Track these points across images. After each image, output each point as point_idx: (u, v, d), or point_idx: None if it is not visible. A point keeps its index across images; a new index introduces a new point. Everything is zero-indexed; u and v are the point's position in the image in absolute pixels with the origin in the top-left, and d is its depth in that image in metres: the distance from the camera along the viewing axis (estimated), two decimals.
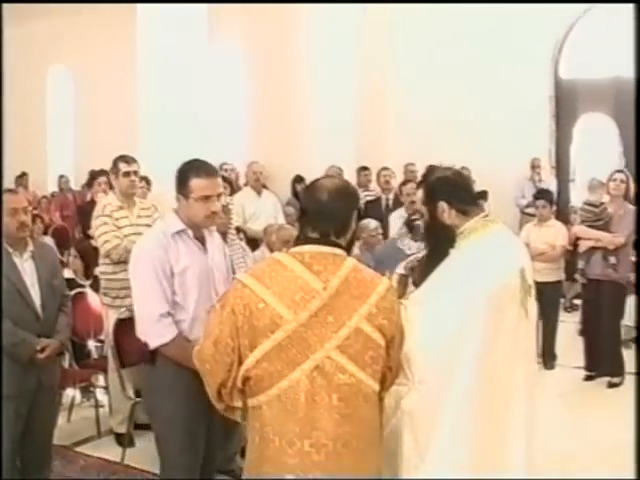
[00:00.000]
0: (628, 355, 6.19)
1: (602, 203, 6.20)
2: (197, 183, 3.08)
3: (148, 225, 4.83)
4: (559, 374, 6.45)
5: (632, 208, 6.02)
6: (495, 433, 2.56)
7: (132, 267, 3.19)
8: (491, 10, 9.76)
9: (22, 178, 12.27)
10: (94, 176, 7.33)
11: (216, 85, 9.20)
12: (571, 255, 6.98)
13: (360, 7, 9.85)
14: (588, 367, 6.22)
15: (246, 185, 8.02)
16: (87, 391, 5.40)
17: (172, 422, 3.06)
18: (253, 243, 6.35)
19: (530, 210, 8.24)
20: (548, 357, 6.57)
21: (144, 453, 4.39)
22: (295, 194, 8.83)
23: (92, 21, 11.93)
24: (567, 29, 10.21)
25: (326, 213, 2.36)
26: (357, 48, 9.75)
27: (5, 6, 7.74)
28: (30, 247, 3.58)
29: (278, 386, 2.25)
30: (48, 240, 7.82)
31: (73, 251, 6.05)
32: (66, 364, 4.95)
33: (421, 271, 2.84)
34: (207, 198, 3.09)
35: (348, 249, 2.43)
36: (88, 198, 9.10)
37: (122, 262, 4.60)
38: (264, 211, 7.38)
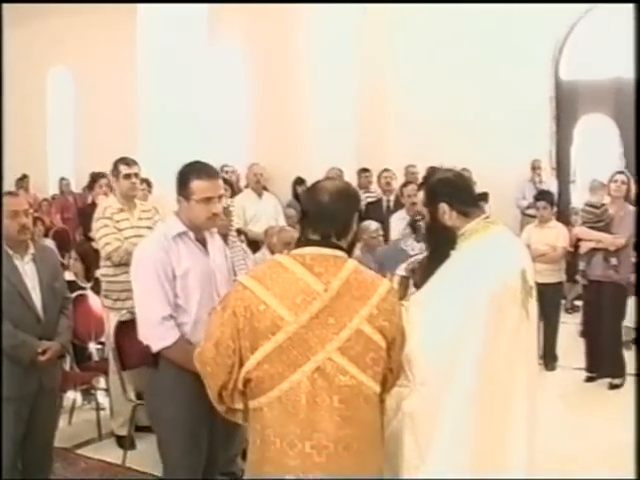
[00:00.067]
0: (628, 356, 6.18)
1: (603, 204, 6.19)
2: (198, 185, 3.07)
3: (149, 227, 4.84)
4: (560, 375, 6.44)
5: (633, 209, 6.02)
6: (496, 434, 2.56)
7: (134, 270, 3.18)
8: (491, 10, 9.76)
9: (23, 180, 12.28)
10: (95, 178, 7.34)
11: (216, 85, 9.19)
12: (572, 256, 7.00)
13: (360, 7, 9.85)
14: (589, 368, 6.21)
15: (247, 187, 8.01)
16: (88, 394, 5.40)
17: (174, 424, 3.05)
18: (254, 245, 6.34)
19: (531, 211, 8.24)
20: (549, 358, 6.57)
21: (145, 455, 4.40)
22: (296, 196, 8.82)
23: (92, 21, 11.92)
24: (568, 30, 10.22)
25: (327, 215, 2.36)
26: (357, 48, 9.75)
27: (5, 6, 7.76)
28: (31, 250, 3.58)
29: (279, 388, 2.25)
30: (49, 243, 7.85)
31: (74, 253, 6.03)
32: (67, 367, 4.94)
33: (422, 273, 2.84)
34: (208, 200, 3.08)
35: (349, 251, 2.42)
36: (89, 200, 9.10)
37: (123, 264, 4.60)
38: (265, 213, 7.36)
